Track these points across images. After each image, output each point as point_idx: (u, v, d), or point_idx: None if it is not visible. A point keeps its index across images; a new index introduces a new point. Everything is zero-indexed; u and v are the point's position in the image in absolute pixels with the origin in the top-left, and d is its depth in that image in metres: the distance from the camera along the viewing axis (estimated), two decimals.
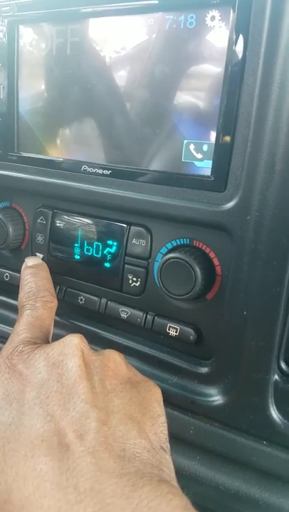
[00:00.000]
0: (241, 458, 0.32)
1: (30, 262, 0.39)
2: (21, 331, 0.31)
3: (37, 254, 0.43)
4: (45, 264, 0.39)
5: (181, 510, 0.19)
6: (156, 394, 0.28)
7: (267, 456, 0.31)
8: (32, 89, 0.40)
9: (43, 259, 0.41)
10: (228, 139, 0.30)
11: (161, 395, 0.28)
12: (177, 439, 0.34)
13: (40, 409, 0.23)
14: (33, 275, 0.37)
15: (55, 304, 0.35)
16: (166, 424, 0.27)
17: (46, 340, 0.32)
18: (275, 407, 0.30)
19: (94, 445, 0.21)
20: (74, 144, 0.39)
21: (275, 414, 0.30)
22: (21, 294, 0.35)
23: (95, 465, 0.20)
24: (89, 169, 0.37)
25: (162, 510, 0.18)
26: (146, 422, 0.25)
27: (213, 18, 0.30)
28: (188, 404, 0.33)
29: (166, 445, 0.25)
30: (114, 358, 0.28)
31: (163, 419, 0.27)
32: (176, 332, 0.35)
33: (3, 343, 0.42)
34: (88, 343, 0.40)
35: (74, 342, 0.27)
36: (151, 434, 0.24)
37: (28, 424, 0.22)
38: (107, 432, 0.22)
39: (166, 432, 0.26)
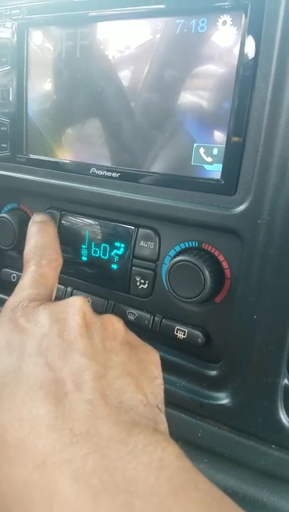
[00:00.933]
0: (250, 461, 0.32)
1: (37, 218, 0.38)
2: (26, 286, 0.31)
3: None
4: (53, 222, 0.38)
5: (175, 457, 0.19)
6: (154, 357, 0.28)
7: (276, 460, 0.31)
8: (41, 92, 0.40)
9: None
10: (238, 143, 0.30)
11: (159, 359, 0.29)
12: (185, 441, 0.34)
13: (39, 359, 0.24)
14: (40, 231, 0.36)
15: (60, 262, 0.35)
16: (162, 387, 0.27)
17: (50, 298, 0.32)
18: (284, 411, 0.30)
19: (91, 394, 0.22)
20: (82, 147, 0.39)
21: (284, 418, 0.30)
22: (27, 249, 0.35)
23: (91, 411, 0.21)
24: (97, 172, 0.37)
25: (158, 455, 0.19)
26: (143, 380, 0.25)
27: (224, 22, 0.30)
28: (197, 407, 0.33)
29: (162, 406, 0.25)
30: (113, 322, 0.29)
31: (160, 381, 0.27)
32: (184, 335, 0.35)
33: None
34: None
35: (77, 303, 0.28)
36: (148, 391, 0.24)
37: (26, 372, 0.23)
38: (105, 384, 0.23)
39: (162, 394, 0.26)
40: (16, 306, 0.28)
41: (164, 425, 0.24)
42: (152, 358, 0.28)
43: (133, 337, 0.29)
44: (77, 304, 0.28)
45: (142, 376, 0.25)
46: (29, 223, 0.37)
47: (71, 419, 0.20)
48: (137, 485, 0.18)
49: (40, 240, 0.35)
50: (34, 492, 0.18)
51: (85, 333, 0.26)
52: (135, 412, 0.22)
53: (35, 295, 0.30)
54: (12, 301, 0.29)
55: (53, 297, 0.33)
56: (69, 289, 0.42)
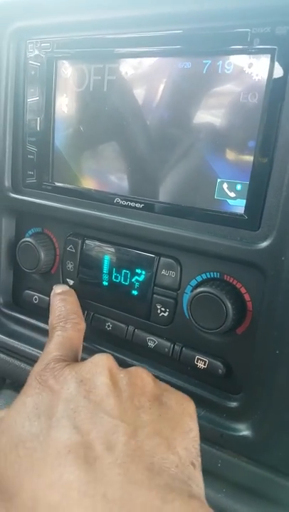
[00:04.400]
0: (269, 494, 0.32)
1: (58, 289, 0.41)
2: (52, 349, 0.32)
3: (68, 279, 0.44)
4: (73, 291, 0.41)
5: None
6: (188, 408, 0.28)
7: None
8: (67, 123, 0.41)
9: (73, 286, 0.42)
10: (263, 180, 0.31)
11: (194, 409, 0.28)
12: (205, 471, 0.34)
13: (67, 422, 0.24)
14: (63, 300, 0.39)
15: (83, 326, 0.37)
16: (198, 439, 0.26)
17: (76, 359, 0.33)
18: None
19: (122, 457, 0.22)
20: (107, 177, 0.40)
21: None
22: (52, 318, 0.37)
23: (123, 476, 0.20)
24: (121, 202, 0.38)
25: None
26: (176, 437, 0.25)
27: (250, 65, 0.31)
28: (217, 438, 0.34)
29: (197, 460, 0.25)
30: (141, 376, 0.29)
31: (195, 433, 0.26)
32: (204, 364, 0.36)
33: (31, 365, 0.43)
34: None
35: (102, 361, 0.28)
36: (180, 448, 0.24)
37: (55, 436, 0.23)
38: (135, 445, 0.23)
39: (197, 447, 0.26)
40: (43, 369, 0.29)
41: (199, 486, 0.23)
42: (186, 409, 0.28)
43: (164, 387, 0.29)
44: (102, 362, 0.28)
45: (174, 433, 0.25)
46: (51, 295, 0.40)
47: (103, 484, 0.20)
48: None
49: (63, 308, 0.37)
50: None
51: (111, 392, 0.26)
52: (168, 474, 0.22)
53: (60, 356, 0.30)
54: (39, 364, 0.30)
55: (79, 359, 0.33)
56: (89, 313, 0.43)
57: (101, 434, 0.23)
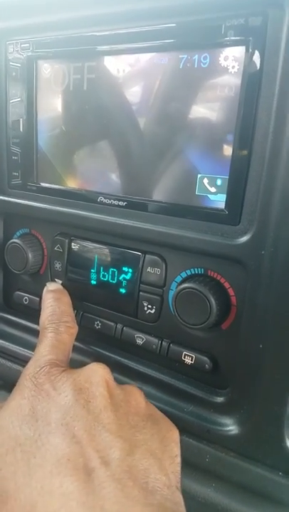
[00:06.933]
0: (256, 488, 0.32)
1: (51, 286, 0.40)
2: (46, 352, 0.31)
3: (56, 280, 0.44)
4: (66, 291, 0.40)
5: None
6: (174, 435, 0.29)
7: (282, 487, 0.31)
8: (50, 123, 0.41)
9: (62, 285, 0.42)
10: (242, 174, 0.31)
11: (178, 436, 0.29)
12: (193, 466, 0.34)
13: (66, 431, 0.24)
14: (56, 300, 0.38)
15: (75, 330, 0.36)
16: (180, 465, 0.27)
17: (67, 363, 0.33)
18: None
19: (119, 473, 0.22)
20: (90, 175, 0.40)
21: None
22: (44, 317, 0.36)
23: (120, 491, 0.21)
24: (105, 200, 0.38)
25: None
26: (166, 460, 0.25)
27: (226, 57, 0.30)
28: (204, 433, 0.34)
29: (179, 485, 0.26)
30: (135, 395, 0.29)
31: (179, 459, 0.27)
32: (191, 360, 0.36)
33: (23, 366, 0.43)
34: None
35: (100, 372, 0.28)
36: (169, 472, 0.25)
37: (54, 443, 0.23)
38: (131, 462, 0.23)
39: (179, 472, 0.27)
40: (38, 372, 0.28)
41: (183, 508, 0.24)
42: (173, 435, 0.28)
43: (154, 410, 0.30)
44: (100, 373, 0.28)
45: (164, 455, 0.26)
46: (44, 291, 0.39)
47: (101, 497, 0.20)
48: None
49: (56, 308, 0.36)
50: None
51: (109, 405, 0.26)
52: (160, 494, 0.22)
53: (55, 360, 0.30)
54: (32, 366, 0.29)
55: (68, 362, 0.33)
56: (79, 312, 0.43)
57: (99, 446, 0.23)
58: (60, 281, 0.43)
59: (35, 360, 0.31)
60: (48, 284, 0.41)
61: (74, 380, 0.28)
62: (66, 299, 0.39)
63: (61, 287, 0.41)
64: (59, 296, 0.39)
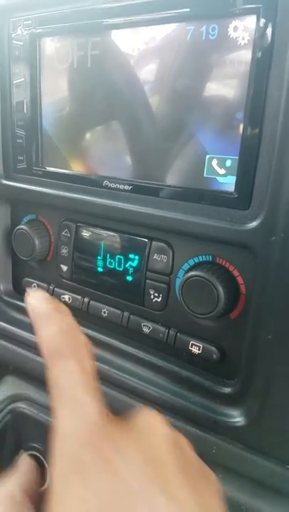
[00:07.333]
0: (264, 480, 0.32)
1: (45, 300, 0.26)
2: (87, 398, 0.21)
3: (62, 265, 0.43)
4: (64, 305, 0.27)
5: None
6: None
7: None
8: (54, 103, 0.40)
9: (65, 272, 0.40)
10: (252, 154, 0.29)
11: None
12: (199, 456, 0.34)
13: None
14: (62, 321, 0.25)
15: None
16: None
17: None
18: None
19: None
20: (96, 159, 0.38)
21: None
22: (48, 334, 0.24)
23: None
24: (110, 184, 0.37)
25: None
26: None
27: (236, 28, 0.28)
28: (211, 424, 0.33)
29: None
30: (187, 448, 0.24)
31: None
32: (198, 350, 0.35)
33: (32, 351, 0.44)
34: (110, 356, 0.40)
35: (163, 429, 0.21)
36: None
37: None
38: None
39: None
40: (93, 433, 0.20)
41: None
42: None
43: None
44: (164, 431, 0.21)
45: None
46: (29, 299, 0.26)
47: None
48: None
49: (69, 337, 0.24)
50: None
51: (187, 483, 0.19)
52: None
53: (105, 412, 0.21)
54: (74, 423, 0.20)
55: None
56: (86, 300, 0.42)
57: None
58: (66, 267, 0.42)
59: (73, 410, 0.21)
60: (30, 292, 0.27)
61: (135, 441, 0.20)
62: (73, 322, 0.26)
63: (58, 301, 0.27)
64: (64, 316, 0.26)
